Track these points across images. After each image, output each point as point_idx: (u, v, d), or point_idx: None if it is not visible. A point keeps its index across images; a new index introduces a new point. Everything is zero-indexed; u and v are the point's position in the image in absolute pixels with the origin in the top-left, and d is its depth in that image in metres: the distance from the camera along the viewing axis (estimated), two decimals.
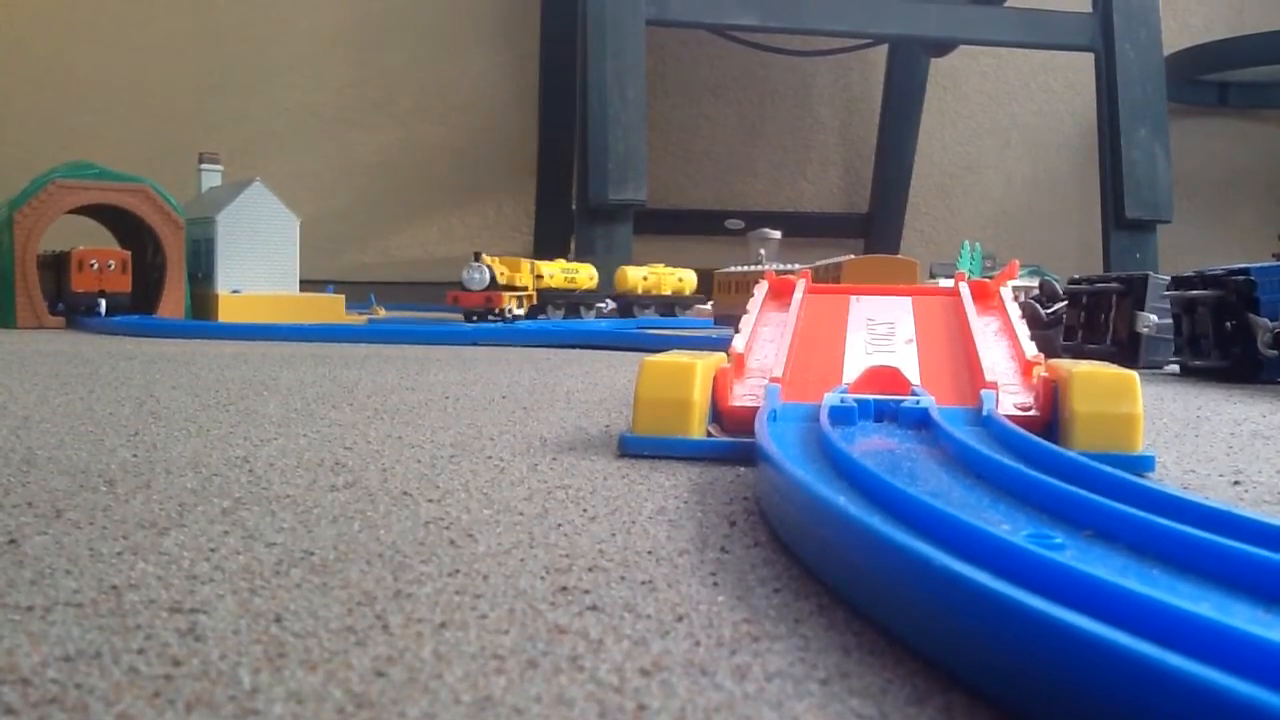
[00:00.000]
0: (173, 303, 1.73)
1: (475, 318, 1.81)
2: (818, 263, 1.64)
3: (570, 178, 2.83)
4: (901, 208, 3.33)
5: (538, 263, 2.00)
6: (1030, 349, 0.55)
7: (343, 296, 1.86)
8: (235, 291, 1.75)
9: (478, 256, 1.74)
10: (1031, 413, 0.49)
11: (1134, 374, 0.46)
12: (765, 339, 0.62)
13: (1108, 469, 0.32)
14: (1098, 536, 0.27)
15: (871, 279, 1.49)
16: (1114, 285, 1.08)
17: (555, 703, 0.19)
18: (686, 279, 2.33)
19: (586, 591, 0.26)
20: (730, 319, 1.60)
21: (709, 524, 0.34)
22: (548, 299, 2.01)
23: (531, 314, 1.96)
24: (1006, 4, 2.69)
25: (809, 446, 0.40)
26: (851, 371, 0.54)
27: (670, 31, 2.89)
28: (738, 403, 0.51)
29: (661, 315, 2.28)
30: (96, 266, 1.72)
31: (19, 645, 0.22)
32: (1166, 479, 0.44)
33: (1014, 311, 0.62)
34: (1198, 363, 0.98)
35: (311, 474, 0.42)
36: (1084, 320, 1.13)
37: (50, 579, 0.26)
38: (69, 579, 0.26)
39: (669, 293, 2.30)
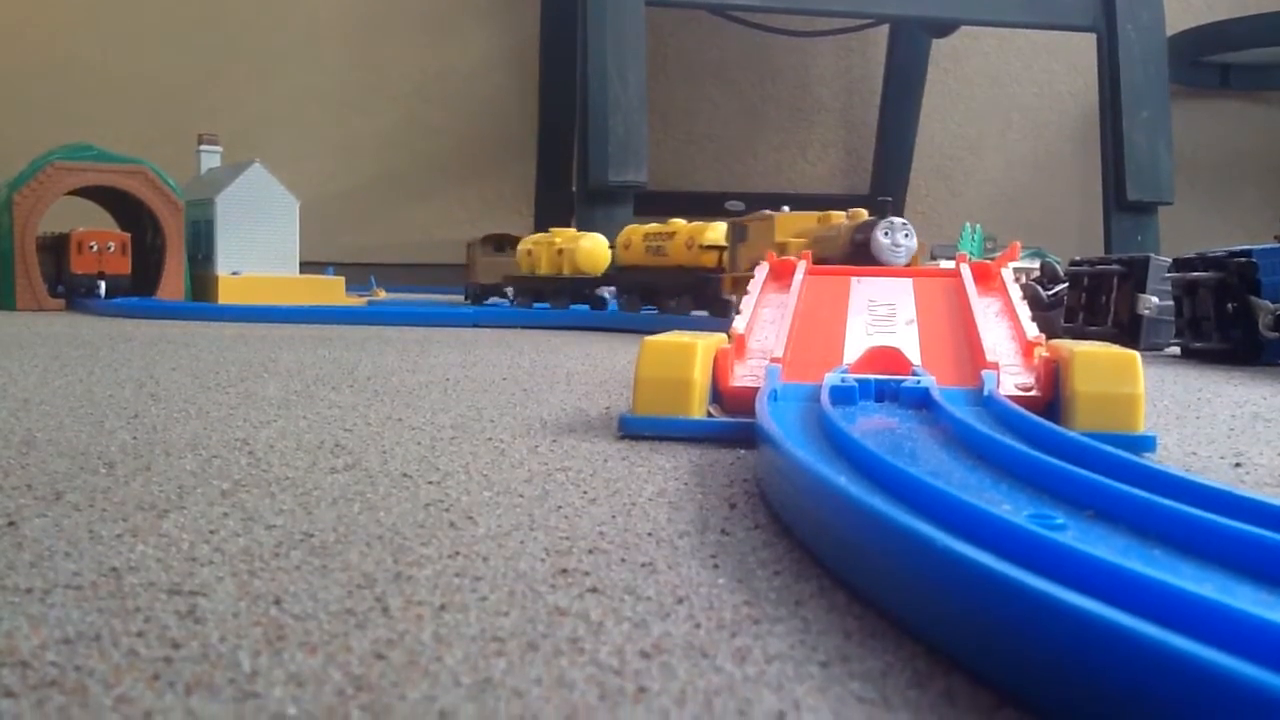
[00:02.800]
0: (172, 284, 1.73)
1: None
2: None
3: (570, 160, 2.82)
4: (902, 189, 3.32)
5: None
6: (1031, 330, 0.55)
7: (343, 278, 1.86)
8: (235, 273, 1.75)
9: (886, 210, 0.91)
10: (1033, 393, 0.49)
11: (1135, 354, 0.46)
12: (766, 320, 0.62)
13: (1109, 449, 0.32)
14: (1099, 517, 0.27)
15: None
16: (1115, 267, 1.08)
17: (555, 685, 0.19)
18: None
19: (587, 574, 0.26)
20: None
21: (709, 506, 0.34)
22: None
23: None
24: None
25: (809, 426, 0.40)
26: (852, 352, 0.54)
27: (670, 13, 2.87)
28: (738, 383, 0.51)
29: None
30: (96, 248, 1.72)
31: (18, 628, 0.22)
32: (1168, 461, 0.44)
33: (1015, 293, 0.62)
34: (1199, 345, 0.98)
35: (311, 456, 0.42)
36: (1085, 302, 1.12)
37: (50, 561, 0.26)
38: (68, 561, 0.26)
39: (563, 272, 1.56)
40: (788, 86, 3.39)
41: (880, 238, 0.88)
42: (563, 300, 1.57)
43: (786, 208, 1.40)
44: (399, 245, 3.17)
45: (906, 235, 0.87)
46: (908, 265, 0.85)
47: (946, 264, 1.07)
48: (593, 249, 1.54)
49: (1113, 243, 2.32)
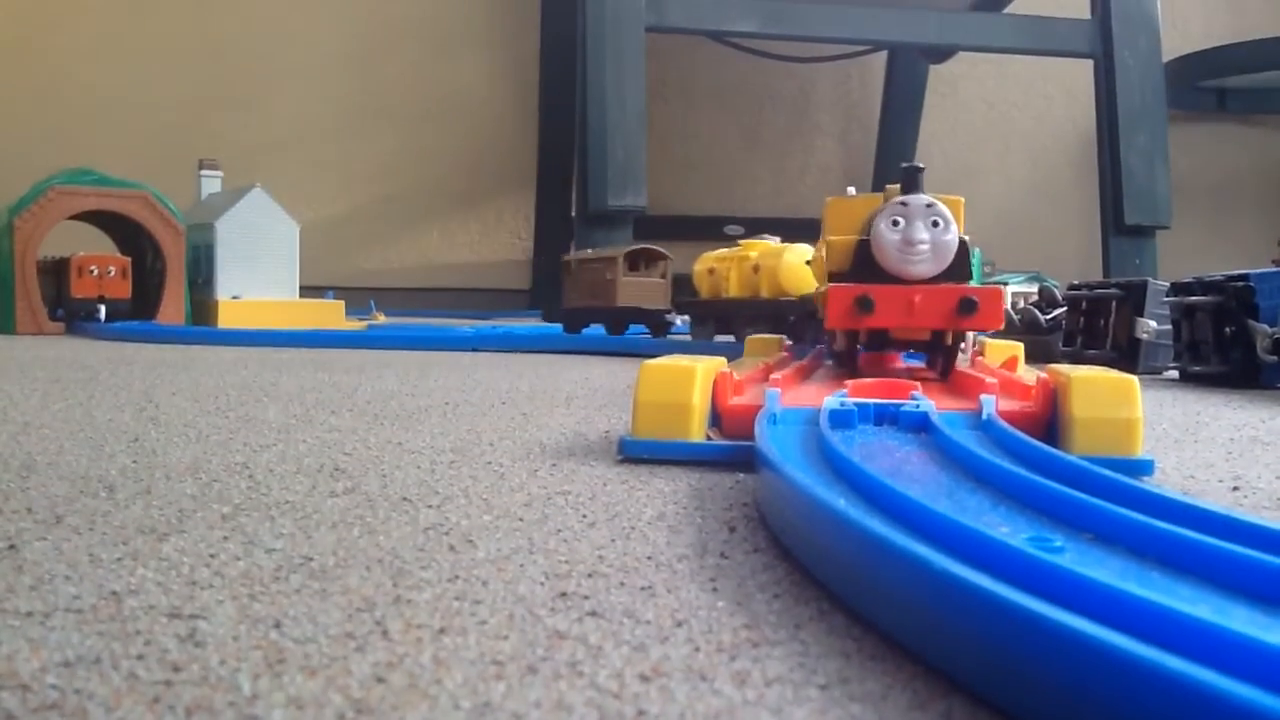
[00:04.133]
0: (172, 308, 1.73)
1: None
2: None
3: (570, 184, 2.84)
4: None
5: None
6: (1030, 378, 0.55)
7: (342, 302, 1.86)
8: (235, 297, 1.75)
9: (912, 183, 0.62)
10: (1028, 407, 0.49)
11: (1133, 378, 0.46)
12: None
13: (1108, 473, 0.32)
14: (1098, 540, 0.27)
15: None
16: (1113, 291, 1.09)
17: (555, 709, 0.19)
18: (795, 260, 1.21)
19: (586, 597, 0.26)
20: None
21: (708, 529, 0.34)
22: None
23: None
24: (1006, 10, 2.69)
25: (809, 450, 0.40)
26: None
27: (670, 38, 2.89)
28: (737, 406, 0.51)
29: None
30: (96, 272, 1.72)
31: (19, 651, 0.22)
32: (1166, 484, 0.44)
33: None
34: (1197, 368, 0.98)
35: (311, 480, 0.42)
36: (1083, 326, 1.13)
37: (50, 585, 0.26)
38: (69, 585, 0.26)
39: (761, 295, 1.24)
40: (787, 111, 3.41)
41: (883, 231, 0.55)
42: (759, 329, 1.15)
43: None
44: (399, 269, 3.17)
45: (936, 224, 0.55)
46: (947, 276, 0.56)
47: None
48: (801, 265, 1.19)
49: (1111, 266, 2.33)
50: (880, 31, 2.40)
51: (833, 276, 0.60)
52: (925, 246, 0.53)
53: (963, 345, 0.60)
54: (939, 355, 0.61)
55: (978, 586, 0.20)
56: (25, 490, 0.39)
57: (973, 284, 0.58)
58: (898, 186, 0.61)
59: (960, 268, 0.54)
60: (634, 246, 1.45)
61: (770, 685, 0.20)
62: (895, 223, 0.54)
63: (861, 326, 0.58)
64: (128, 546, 0.30)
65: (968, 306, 0.56)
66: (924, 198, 0.55)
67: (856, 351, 0.62)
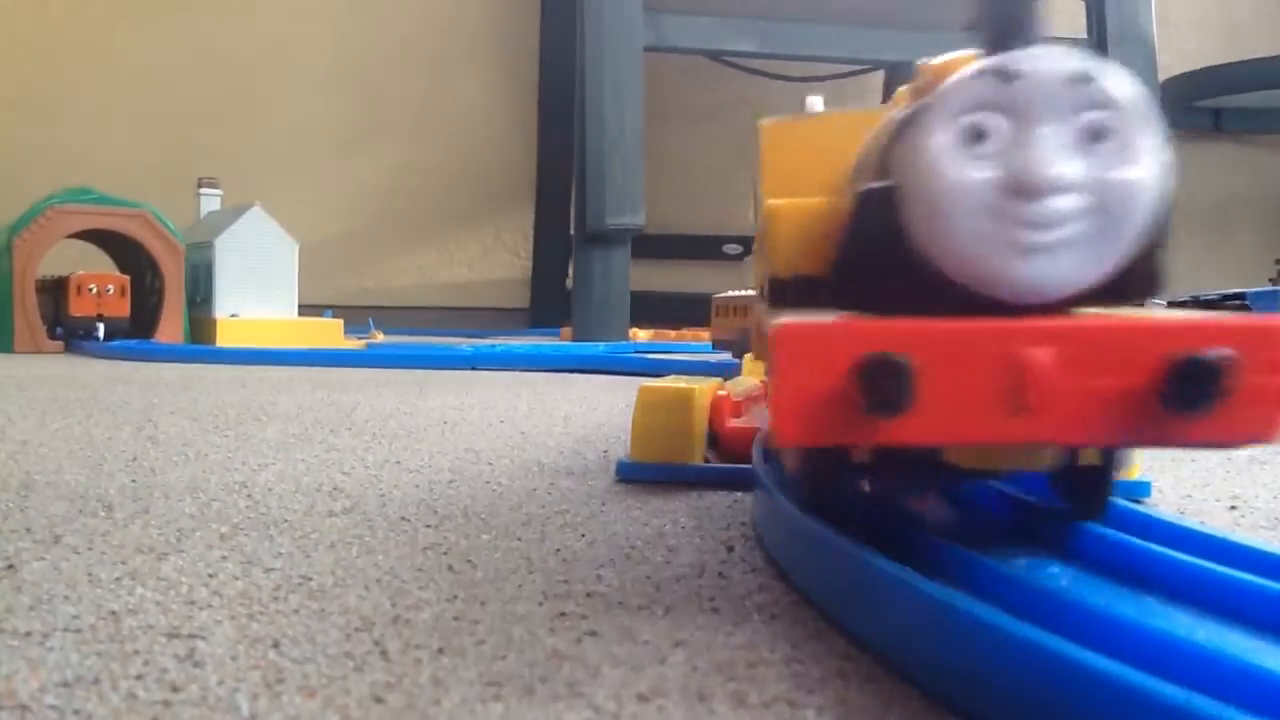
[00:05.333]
0: (171, 327, 1.74)
1: None
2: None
3: (569, 203, 2.84)
4: None
5: None
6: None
7: (341, 321, 1.86)
8: (233, 316, 1.75)
9: (1003, 32, 0.22)
10: None
11: None
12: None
13: None
14: (1094, 565, 0.27)
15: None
16: None
17: None
18: None
19: (584, 617, 0.26)
20: (727, 344, 1.53)
21: (707, 550, 0.34)
22: None
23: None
24: None
25: None
26: None
27: (668, 58, 2.90)
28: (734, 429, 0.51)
29: None
30: (95, 291, 1.72)
31: (18, 671, 0.22)
32: (1163, 504, 0.44)
33: None
34: None
35: (310, 499, 0.42)
36: None
37: (49, 604, 0.26)
38: (67, 604, 0.27)
39: None
40: None
41: (945, 160, 0.22)
42: None
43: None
44: (397, 288, 3.18)
45: (1098, 136, 0.23)
46: (1121, 289, 0.24)
47: None
48: None
49: None
50: (878, 51, 2.41)
51: (777, 291, 0.30)
52: (1068, 203, 0.23)
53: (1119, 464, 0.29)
54: (1078, 489, 0.29)
55: (972, 612, 0.20)
56: (24, 509, 0.39)
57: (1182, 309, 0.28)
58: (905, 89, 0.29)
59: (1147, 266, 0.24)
60: None
61: (768, 706, 0.21)
62: (978, 135, 0.22)
63: (871, 442, 0.23)
64: (126, 566, 0.31)
65: (1202, 381, 0.22)
66: (1066, 60, 0.23)
67: (847, 501, 0.29)
